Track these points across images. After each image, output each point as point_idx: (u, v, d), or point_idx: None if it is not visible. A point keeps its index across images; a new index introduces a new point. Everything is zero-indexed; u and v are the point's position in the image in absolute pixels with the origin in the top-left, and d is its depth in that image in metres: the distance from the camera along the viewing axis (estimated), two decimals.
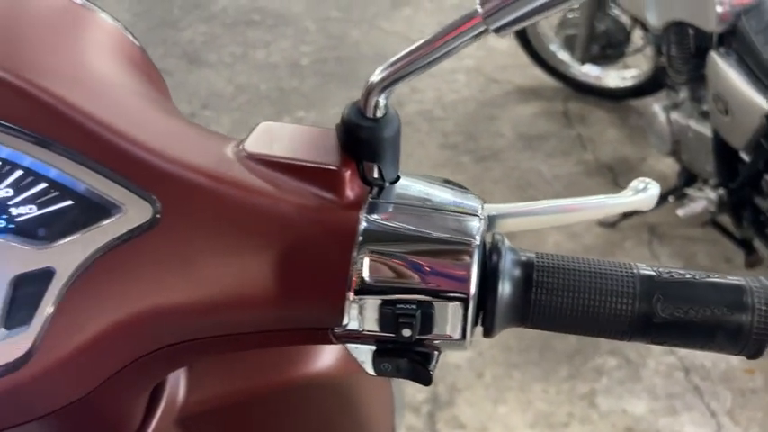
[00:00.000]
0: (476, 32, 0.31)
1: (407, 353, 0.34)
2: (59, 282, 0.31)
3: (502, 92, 2.58)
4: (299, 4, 3.17)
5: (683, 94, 1.79)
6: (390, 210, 0.34)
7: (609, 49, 2.27)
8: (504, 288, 0.33)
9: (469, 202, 0.35)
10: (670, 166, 2.12)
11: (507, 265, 0.33)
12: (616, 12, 2.18)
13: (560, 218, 0.40)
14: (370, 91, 0.34)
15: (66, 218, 0.32)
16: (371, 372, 0.35)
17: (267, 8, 3.14)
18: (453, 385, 1.60)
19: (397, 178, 0.36)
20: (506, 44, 2.79)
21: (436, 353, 0.35)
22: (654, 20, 1.76)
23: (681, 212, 1.75)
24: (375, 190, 0.35)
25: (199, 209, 0.32)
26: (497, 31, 0.31)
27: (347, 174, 0.34)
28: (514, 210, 0.38)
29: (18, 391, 0.31)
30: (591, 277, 0.33)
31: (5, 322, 0.31)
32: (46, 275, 0.31)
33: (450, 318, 0.33)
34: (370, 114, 0.34)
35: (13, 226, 0.32)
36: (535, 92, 2.57)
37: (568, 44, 2.34)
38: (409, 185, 0.36)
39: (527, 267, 0.34)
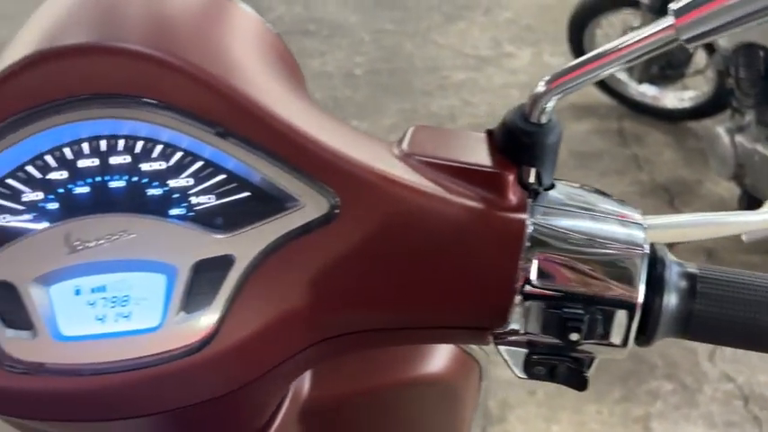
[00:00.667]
0: (664, 42, 0.31)
1: (563, 357, 0.34)
2: (239, 269, 0.32)
3: (556, 108, 2.56)
4: (354, 15, 3.20)
5: (750, 116, 1.76)
6: (554, 214, 0.34)
7: (669, 69, 2.24)
8: (670, 298, 0.33)
9: (628, 210, 0.35)
10: (728, 190, 2.08)
11: (672, 275, 0.33)
12: None
13: (705, 231, 0.40)
14: (539, 96, 0.34)
15: (243, 208, 0.32)
16: (521, 375, 0.36)
17: (323, 18, 3.18)
18: (505, 401, 1.59)
19: (552, 185, 0.36)
20: (561, 61, 2.77)
21: (589, 358, 0.35)
22: (723, 41, 1.74)
23: (745, 237, 1.71)
24: (532, 194, 0.35)
25: (375, 206, 0.33)
26: (689, 41, 0.31)
27: (510, 177, 0.34)
28: (663, 221, 0.38)
29: (194, 373, 0.32)
30: (755, 290, 0.33)
31: (186, 306, 0.31)
32: (226, 262, 0.32)
33: (615, 324, 0.33)
34: (535, 119, 0.35)
35: (192, 214, 0.32)
36: (589, 109, 2.55)
37: None
38: (565, 192, 0.36)
39: (691, 278, 0.34)
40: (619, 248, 0.33)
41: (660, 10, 2.10)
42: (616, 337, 0.33)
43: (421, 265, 0.33)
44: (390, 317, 0.34)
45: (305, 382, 0.46)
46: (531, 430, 1.55)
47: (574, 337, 0.32)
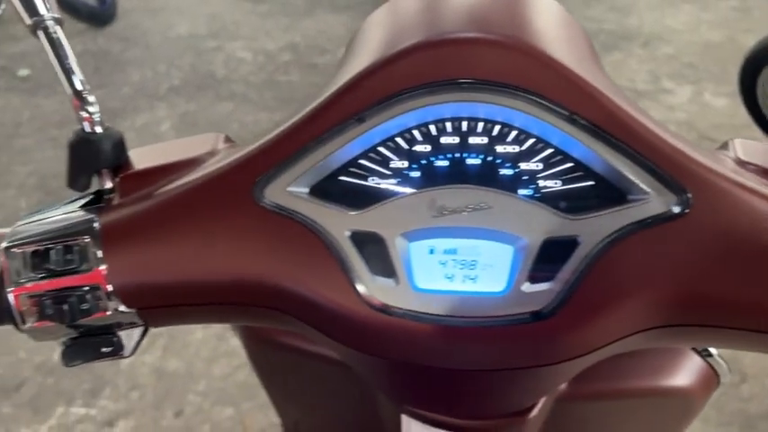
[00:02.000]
0: None
1: None
2: (582, 252, 0.34)
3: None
4: None
5: None
6: None
7: None
8: None
9: None
10: None
11: None
12: None
13: None
14: None
15: (588, 195, 0.35)
16: None
17: None
18: None
19: None
20: (723, 102, 2.65)
21: None
22: None
23: None
24: None
25: (726, 209, 0.34)
26: None
27: None
28: None
29: (526, 341, 0.34)
30: None
31: (530, 278, 0.34)
32: (571, 244, 0.34)
33: None
34: None
35: (539, 195, 0.35)
36: None
37: None
38: None
39: None
40: None
41: None
42: None
43: (762, 270, 0.34)
44: (719, 316, 0.35)
45: None
46: None
47: None
